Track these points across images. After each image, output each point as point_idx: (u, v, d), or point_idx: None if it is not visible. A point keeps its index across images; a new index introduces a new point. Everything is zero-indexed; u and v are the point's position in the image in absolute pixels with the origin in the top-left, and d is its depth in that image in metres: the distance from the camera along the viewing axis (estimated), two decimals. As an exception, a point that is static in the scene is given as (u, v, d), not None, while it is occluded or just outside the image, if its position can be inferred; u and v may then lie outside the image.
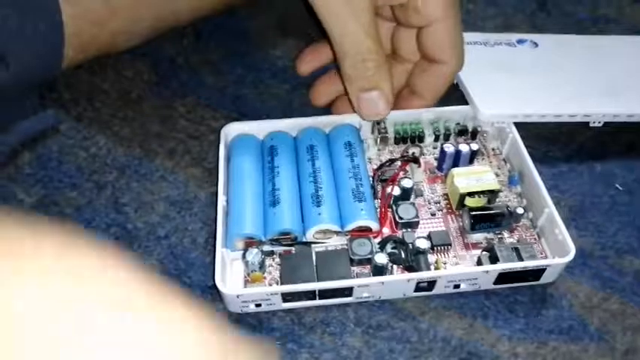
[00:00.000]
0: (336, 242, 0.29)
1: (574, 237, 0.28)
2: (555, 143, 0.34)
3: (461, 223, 0.30)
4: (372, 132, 0.33)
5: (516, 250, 0.27)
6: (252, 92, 0.38)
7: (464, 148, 0.31)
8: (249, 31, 0.43)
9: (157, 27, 0.38)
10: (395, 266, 0.28)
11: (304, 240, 0.28)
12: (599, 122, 0.33)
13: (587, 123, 0.33)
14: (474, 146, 0.32)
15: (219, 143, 0.32)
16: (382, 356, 0.26)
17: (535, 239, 0.29)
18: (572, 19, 0.44)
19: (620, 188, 0.32)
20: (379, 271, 0.27)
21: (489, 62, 0.36)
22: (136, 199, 0.32)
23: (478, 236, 0.29)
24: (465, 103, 0.34)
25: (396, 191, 0.30)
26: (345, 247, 0.28)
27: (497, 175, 0.32)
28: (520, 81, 0.35)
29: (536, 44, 0.38)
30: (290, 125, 0.33)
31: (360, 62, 0.30)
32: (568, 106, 0.33)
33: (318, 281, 0.26)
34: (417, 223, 0.29)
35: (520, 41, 0.39)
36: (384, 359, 0.26)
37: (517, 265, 0.26)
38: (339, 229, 0.28)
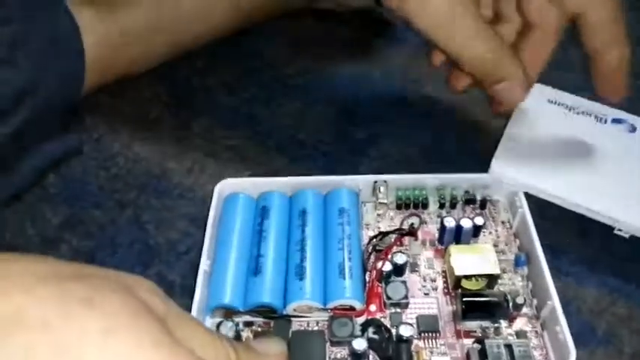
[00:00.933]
0: (317, 317, 0.27)
1: (581, 245, 0.30)
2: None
3: (455, 307, 0.28)
4: (373, 195, 0.32)
5: (509, 347, 0.25)
6: (265, 111, 0.39)
7: (466, 223, 0.29)
8: (262, 51, 0.44)
9: (172, 51, 0.41)
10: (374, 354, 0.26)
11: (284, 313, 0.27)
12: (627, 234, 0.29)
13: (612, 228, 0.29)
14: (479, 220, 0.29)
15: (211, 200, 0.31)
16: None
17: (537, 332, 0.27)
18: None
19: None
20: (357, 357, 0.25)
21: (559, 128, 0.33)
22: (157, 217, 0.33)
23: (473, 324, 0.27)
24: (476, 170, 0.31)
25: (388, 267, 0.28)
26: (326, 323, 0.27)
27: (503, 252, 0.30)
28: (573, 162, 0.31)
29: (634, 128, 0.33)
30: (286, 184, 0.31)
31: (478, 63, 0.29)
32: (593, 200, 0.29)
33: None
34: (407, 304, 0.27)
35: (616, 120, 0.34)
36: None
37: (506, 370, 0.24)
38: (321, 306, 0.27)
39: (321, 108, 0.40)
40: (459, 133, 0.38)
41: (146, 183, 0.35)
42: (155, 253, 0.32)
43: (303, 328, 0.27)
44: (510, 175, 0.31)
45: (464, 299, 0.26)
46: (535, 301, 0.27)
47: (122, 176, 0.35)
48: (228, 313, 0.27)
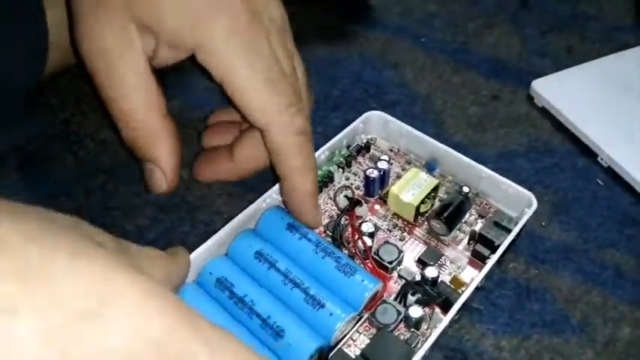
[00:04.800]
0: (354, 328, 0.26)
1: (557, 232, 0.30)
2: (539, 138, 0.35)
3: (425, 227, 0.30)
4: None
5: (496, 223, 0.28)
6: None
7: (383, 165, 0.31)
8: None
9: None
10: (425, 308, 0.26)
11: (330, 344, 0.25)
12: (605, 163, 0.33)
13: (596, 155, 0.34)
14: (385, 159, 0.31)
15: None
16: None
17: (487, 204, 0.31)
18: (553, 16, 0.44)
19: (601, 183, 0.33)
20: (418, 323, 0.25)
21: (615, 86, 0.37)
22: (125, 203, 0.31)
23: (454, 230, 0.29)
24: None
25: (368, 241, 0.28)
26: (366, 326, 0.26)
27: (413, 171, 0.32)
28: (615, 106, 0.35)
29: None
30: (215, 246, 0.27)
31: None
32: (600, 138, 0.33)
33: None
34: (403, 255, 0.28)
35: None
36: None
37: (513, 236, 0.27)
38: (356, 313, 0.25)
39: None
40: (436, 119, 0.37)
41: (114, 168, 0.33)
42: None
43: (351, 349, 0.25)
44: (547, 97, 0.36)
45: (443, 217, 0.28)
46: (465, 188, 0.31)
47: (89, 161, 0.33)
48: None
